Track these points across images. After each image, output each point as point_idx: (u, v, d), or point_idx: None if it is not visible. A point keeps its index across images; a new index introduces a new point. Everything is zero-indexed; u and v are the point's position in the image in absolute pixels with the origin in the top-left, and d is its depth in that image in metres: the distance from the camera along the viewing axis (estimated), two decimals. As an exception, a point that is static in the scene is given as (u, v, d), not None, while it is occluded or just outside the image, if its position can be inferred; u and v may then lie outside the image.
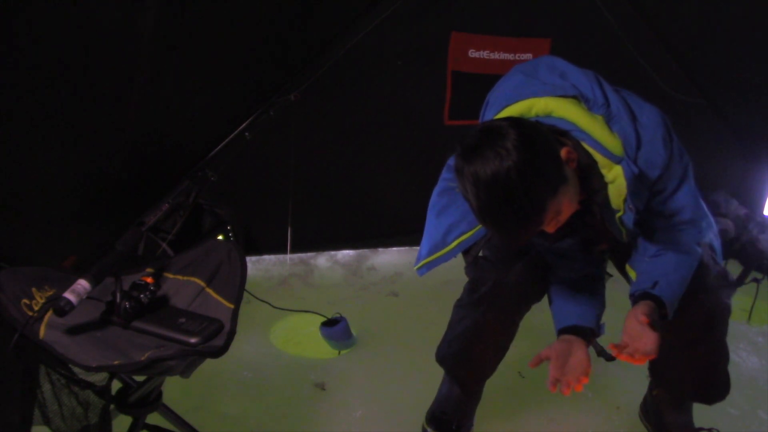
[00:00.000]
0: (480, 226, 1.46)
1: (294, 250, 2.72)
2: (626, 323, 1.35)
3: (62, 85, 1.65)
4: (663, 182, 1.35)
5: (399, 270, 2.77)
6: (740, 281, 2.44)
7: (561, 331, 1.49)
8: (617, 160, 1.27)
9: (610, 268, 1.76)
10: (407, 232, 2.78)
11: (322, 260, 2.84)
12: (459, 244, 1.47)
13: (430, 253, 1.50)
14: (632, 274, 1.46)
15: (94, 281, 1.16)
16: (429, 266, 1.49)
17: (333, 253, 2.88)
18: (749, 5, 2.38)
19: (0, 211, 1.67)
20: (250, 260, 2.68)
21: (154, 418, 1.36)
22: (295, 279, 2.65)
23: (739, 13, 2.42)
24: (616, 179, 1.28)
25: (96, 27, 1.62)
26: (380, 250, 2.93)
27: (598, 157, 1.28)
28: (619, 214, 1.32)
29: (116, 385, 1.25)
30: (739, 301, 2.41)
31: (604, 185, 1.31)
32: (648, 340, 1.29)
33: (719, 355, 1.57)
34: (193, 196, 2.31)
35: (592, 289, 1.56)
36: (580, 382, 1.37)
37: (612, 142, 1.27)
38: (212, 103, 2.29)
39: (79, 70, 1.67)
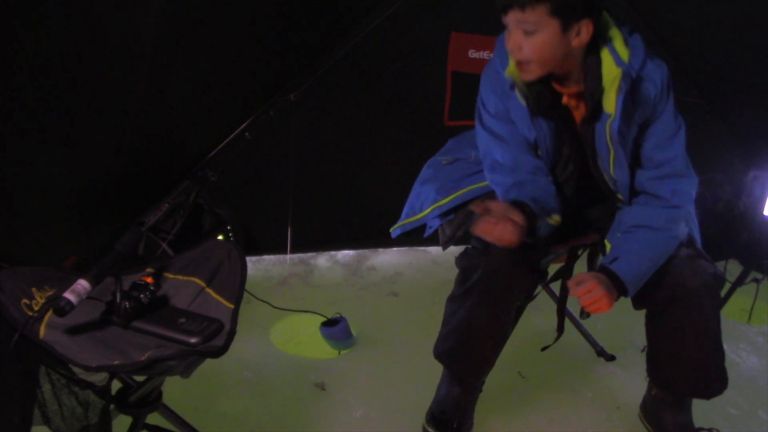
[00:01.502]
0: (454, 196, 1.65)
1: (294, 250, 2.72)
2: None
3: (63, 85, 1.65)
4: (655, 124, 1.49)
5: (399, 270, 2.77)
6: (740, 281, 2.43)
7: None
8: (620, 63, 1.40)
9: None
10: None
11: (322, 260, 2.84)
12: (432, 210, 1.65)
13: (406, 217, 1.73)
14: (608, 247, 1.57)
15: (94, 281, 1.16)
16: (402, 228, 1.74)
17: (333, 253, 2.88)
18: (749, 5, 2.38)
19: (0, 211, 1.67)
20: (250, 260, 2.68)
21: (154, 418, 1.36)
22: (295, 279, 2.65)
23: (739, 14, 2.42)
24: (614, 82, 1.40)
25: (97, 27, 1.62)
26: (380, 250, 2.93)
27: (606, 57, 1.41)
28: (610, 120, 1.44)
29: (116, 385, 1.25)
30: (739, 301, 2.41)
31: (600, 89, 1.43)
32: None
33: (713, 352, 1.59)
34: (193, 196, 2.31)
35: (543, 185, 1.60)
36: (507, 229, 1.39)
37: (623, 50, 1.41)
38: (212, 104, 2.29)
39: (79, 71, 1.67)
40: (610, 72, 1.41)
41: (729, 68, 2.67)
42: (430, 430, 1.71)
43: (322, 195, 2.74)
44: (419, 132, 2.73)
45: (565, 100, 1.52)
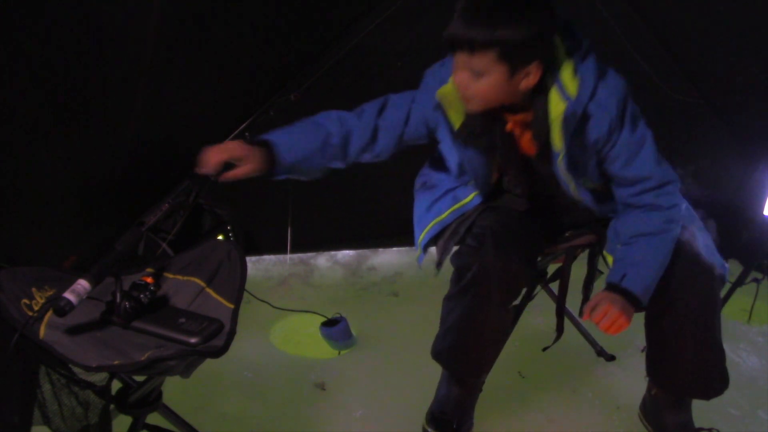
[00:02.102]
0: (426, 230, 1.71)
1: (294, 250, 2.72)
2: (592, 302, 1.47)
3: (62, 85, 1.65)
4: (616, 147, 1.45)
5: (399, 270, 2.77)
6: (740, 281, 2.43)
7: None
8: (566, 98, 1.36)
9: (601, 266, 1.77)
10: (407, 232, 2.76)
11: (322, 260, 2.84)
12: (421, 244, 1.71)
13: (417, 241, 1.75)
14: (609, 260, 1.57)
15: (94, 281, 1.16)
16: (421, 257, 1.77)
17: (333, 253, 2.88)
18: (749, 5, 2.38)
19: (0, 211, 1.67)
20: (250, 260, 2.68)
21: (154, 418, 1.36)
22: (295, 279, 2.65)
23: (739, 13, 2.42)
24: (558, 116, 1.38)
25: (98, 28, 1.62)
26: (380, 250, 2.93)
27: (553, 93, 1.38)
28: (560, 157, 1.44)
29: (116, 385, 1.25)
30: (739, 301, 2.41)
31: (546, 123, 1.41)
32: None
33: (713, 352, 1.59)
34: (193, 196, 2.31)
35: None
36: None
37: (571, 83, 1.37)
38: (213, 104, 2.29)
39: (79, 71, 1.67)
40: (557, 108, 1.38)
41: (729, 68, 2.67)
42: (430, 430, 1.71)
43: (322, 195, 2.74)
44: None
45: (509, 126, 1.50)
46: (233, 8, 2.03)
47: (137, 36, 1.75)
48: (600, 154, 1.47)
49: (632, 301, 1.46)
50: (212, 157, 1.43)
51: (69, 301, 1.11)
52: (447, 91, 1.46)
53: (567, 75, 1.38)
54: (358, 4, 2.42)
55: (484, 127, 1.48)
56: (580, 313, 1.82)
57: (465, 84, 1.37)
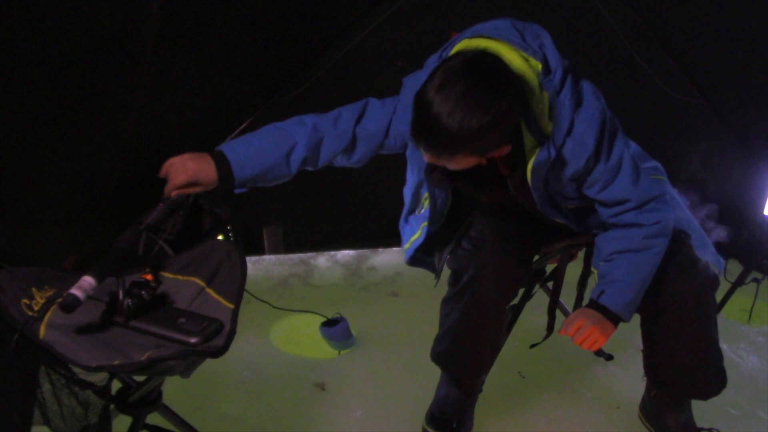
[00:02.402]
0: (406, 247, 1.72)
1: (294, 250, 2.72)
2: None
3: (62, 85, 1.65)
4: (592, 175, 1.43)
5: (399, 270, 2.77)
6: (740, 281, 2.43)
7: None
8: (540, 141, 1.35)
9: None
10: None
11: (322, 260, 2.84)
12: (406, 251, 1.73)
13: (406, 241, 1.75)
14: (594, 274, 1.57)
15: (99, 277, 1.16)
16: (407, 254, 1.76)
17: (333, 253, 2.88)
18: (749, 5, 2.38)
19: (0, 211, 1.67)
20: (250, 260, 2.68)
21: (154, 418, 1.36)
22: (295, 279, 2.65)
23: (739, 13, 2.42)
24: (531, 159, 1.38)
25: (98, 28, 1.62)
26: (380, 250, 2.93)
27: (527, 136, 1.36)
28: (538, 194, 1.45)
29: (116, 385, 1.25)
30: (739, 301, 2.41)
31: (524, 163, 1.40)
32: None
33: (710, 353, 1.59)
34: (193, 196, 2.31)
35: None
36: None
37: (545, 123, 1.34)
38: (212, 104, 2.29)
39: (79, 71, 1.67)
40: (531, 151, 1.37)
41: (729, 68, 2.68)
42: (429, 430, 1.71)
43: (322, 195, 2.74)
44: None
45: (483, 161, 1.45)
46: (233, 9, 2.03)
47: (137, 36, 1.75)
48: (578, 181, 1.46)
49: (610, 317, 1.47)
50: (176, 180, 1.42)
51: (76, 297, 1.11)
52: None
53: (542, 115, 1.34)
54: (358, 4, 2.43)
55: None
56: (575, 308, 1.83)
57: (436, 160, 1.34)
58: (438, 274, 1.71)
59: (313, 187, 2.70)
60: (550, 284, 1.87)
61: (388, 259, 2.88)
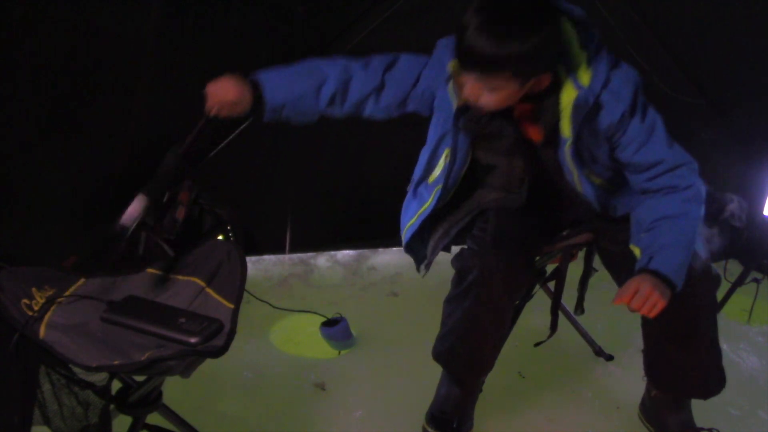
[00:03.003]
0: (404, 233, 1.70)
1: (294, 250, 2.72)
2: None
3: (63, 85, 1.65)
4: (627, 134, 1.44)
5: (399, 270, 2.77)
6: (740, 281, 2.43)
7: None
8: (579, 87, 1.37)
9: (596, 264, 1.77)
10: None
11: (322, 260, 2.84)
12: (407, 230, 1.69)
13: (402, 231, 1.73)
14: (636, 252, 1.50)
15: (152, 197, 1.13)
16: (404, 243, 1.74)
17: (333, 253, 2.88)
18: (749, 5, 2.38)
19: (0, 211, 1.67)
20: (250, 260, 2.68)
21: (154, 418, 1.36)
22: (295, 279, 2.65)
23: (738, 13, 2.42)
24: (569, 104, 1.38)
25: (98, 28, 1.62)
26: (380, 250, 2.93)
27: (566, 83, 1.38)
28: (567, 144, 1.43)
29: (116, 385, 1.25)
30: (739, 301, 2.41)
31: (556, 111, 1.41)
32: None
33: (710, 352, 1.59)
34: (192, 196, 2.31)
35: None
36: None
37: (584, 73, 1.38)
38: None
39: (80, 71, 1.67)
40: (568, 96, 1.38)
41: (729, 68, 2.67)
42: (430, 430, 1.71)
43: (322, 195, 2.74)
44: (419, 132, 2.72)
45: (516, 113, 1.48)
46: (233, 9, 2.03)
47: (137, 36, 1.75)
48: (611, 141, 1.46)
49: (665, 282, 1.39)
50: (221, 97, 1.46)
51: (123, 226, 1.08)
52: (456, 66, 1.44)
53: (580, 66, 1.38)
54: (358, 4, 2.43)
55: (490, 115, 1.45)
56: (576, 310, 1.83)
57: (476, 96, 1.36)
58: (428, 265, 1.70)
59: (314, 187, 2.70)
60: (549, 284, 1.87)
61: (388, 259, 2.88)
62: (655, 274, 1.40)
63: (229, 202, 2.42)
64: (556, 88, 1.39)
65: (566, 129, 1.41)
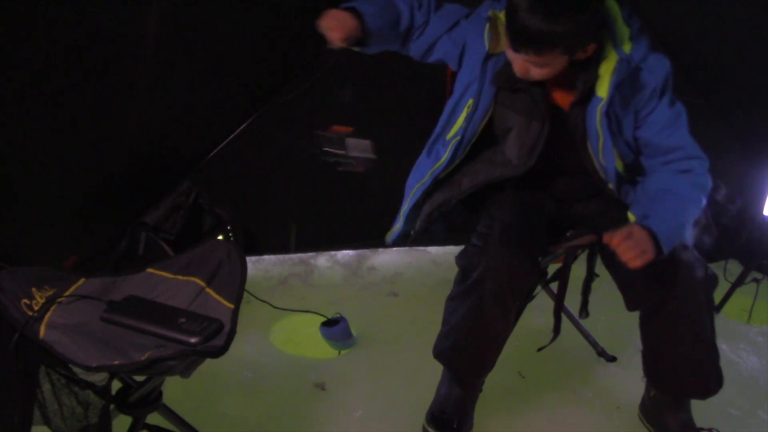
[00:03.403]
0: (408, 200, 1.74)
1: (294, 250, 2.72)
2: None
3: (63, 85, 1.65)
4: (654, 113, 1.52)
5: (399, 270, 2.77)
6: (740, 281, 2.44)
7: None
8: (620, 53, 1.46)
9: (598, 268, 1.77)
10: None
11: (322, 260, 2.84)
12: (402, 220, 1.75)
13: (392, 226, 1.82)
14: (632, 219, 1.52)
15: None
16: (392, 237, 1.84)
17: (333, 253, 2.88)
18: (749, 5, 2.38)
19: (0, 211, 1.67)
20: (250, 260, 2.68)
21: (154, 418, 1.36)
22: (295, 279, 2.65)
23: (738, 14, 2.42)
24: (609, 67, 1.46)
25: (98, 29, 1.62)
26: (380, 250, 2.93)
27: (608, 48, 1.47)
28: (601, 104, 1.48)
29: (116, 385, 1.25)
30: (739, 301, 2.41)
31: (596, 75, 1.48)
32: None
33: (708, 352, 1.59)
34: (193, 196, 2.31)
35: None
36: None
37: (626, 43, 1.48)
38: (212, 104, 2.29)
39: (80, 71, 1.67)
40: (610, 60, 1.46)
41: (729, 68, 2.67)
42: (430, 430, 1.71)
43: (322, 195, 2.74)
44: (419, 132, 2.72)
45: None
46: (232, 9, 2.03)
47: (137, 36, 1.75)
48: (638, 116, 1.53)
49: (654, 242, 1.39)
50: (344, 29, 1.52)
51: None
52: (501, 19, 1.50)
53: (623, 39, 1.47)
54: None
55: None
56: (580, 314, 1.83)
57: (527, 71, 1.45)
58: (417, 232, 1.73)
59: (314, 187, 2.70)
60: (551, 285, 1.87)
61: (388, 259, 2.88)
62: (647, 231, 1.40)
63: (229, 202, 2.44)
64: (597, 55, 1.47)
65: (603, 90, 1.47)
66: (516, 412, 1.85)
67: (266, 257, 2.76)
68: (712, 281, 1.56)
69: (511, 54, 1.45)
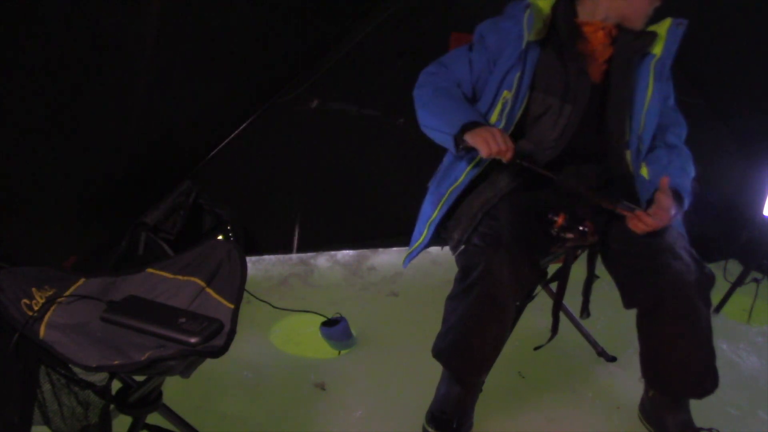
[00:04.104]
0: (440, 205, 1.72)
1: (296, 251, 2.72)
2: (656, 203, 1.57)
3: (63, 85, 1.65)
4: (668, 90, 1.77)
5: (399, 270, 2.77)
6: (740, 281, 2.44)
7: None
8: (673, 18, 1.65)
9: (598, 270, 1.77)
10: (407, 232, 2.77)
11: (322, 260, 2.84)
12: (428, 228, 1.74)
13: (411, 245, 1.81)
14: (644, 172, 1.72)
15: None
16: (410, 257, 1.83)
17: (333, 253, 2.88)
18: (749, 6, 2.38)
19: (0, 211, 1.67)
20: (250, 260, 2.68)
21: (154, 418, 1.36)
22: (295, 279, 2.65)
23: (738, 14, 2.42)
24: (665, 28, 1.66)
25: (98, 29, 1.62)
26: (380, 250, 2.93)
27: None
28: (655, 60, 1.66)
29: (116, 385, 1.25)
30: (739, 301, 2.41)
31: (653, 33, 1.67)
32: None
33: (704, 352, 1.60)
34: (193, 196, 2.31)
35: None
36: None
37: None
38: (212, 104, 2.29)
39: (80, 72, 1.67)
40: (666, 23, 1.65)
41: (729, 68, 2.68)
42: (430, 430, 1.71)
43: (323, 195, 2.75)
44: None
45: (590, 29, 1.64)
46: (232, 9, 2.03)
47: (136, 36, 1.75)
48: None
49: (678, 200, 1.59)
50: (509, 147, 1.56)
51: None
52: (544, 3, 1.65)
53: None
54: (358, 4, 2.43)
55: (571, 38, 1.63)
56: (581, 314, 1.83)
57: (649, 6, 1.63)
58: (454, 247, 1.71)
59: (314, 187, 2.70)
60: (551, 285, 1.87)
61: (388, 259, 2.88)
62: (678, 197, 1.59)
63: (229, 202, 2.44)
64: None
65: (658, 48, 1.65)
66: (516, 412, 1.85)
67: (266, 257, 2.76)
68: (709, 280, 1.56)
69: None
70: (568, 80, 1.64)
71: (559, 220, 1.58)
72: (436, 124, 1.69)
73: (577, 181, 1.65)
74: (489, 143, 1.53)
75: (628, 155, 1.73)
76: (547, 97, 1.67)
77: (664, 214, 1.53)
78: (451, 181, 1.73)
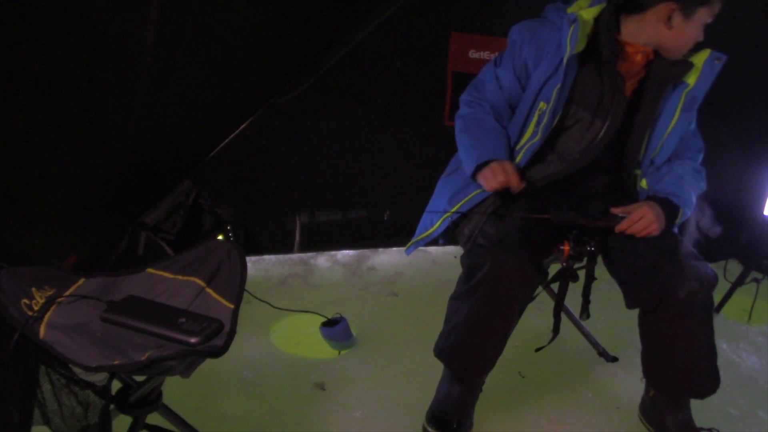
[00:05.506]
0: (462, 202, 1.71)
1: (297, 251, 2.72)
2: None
3: (63, 85, 1.65)
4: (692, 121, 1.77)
5: (399, 270, 2.77)
6: (740, 281, 2.44)
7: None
8: (711, 51, 1.66)
9: (598, 269, 1.77)
10: (407, 233, 2.77)
11: (322, 260, 2.84)
12: (441, 223, 1.75)
13: (418, 235, 1.81)
14: (643, 183, 1.76)
15: None
16: (416, 245, 1.85)
17: (333, 253, 2.88)
18: (749, 6, 2.38)
19: (0, 211, 1.67)
20: (250, 260, 2.68)
21: (154, 418, 1.36)
22: (295, 279, 2.65)
23: (738, 14, 2.42)
24: (702, 60, 1.66)
25: (98, 29, 1.62)
26: (380, 250, 2.93)
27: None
28: (688, 89, 1.68)
29: (116, 385, 1.25)
30: (739, 301, 2.41)
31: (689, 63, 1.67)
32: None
33: (706, 352, 1.60)
34: (193, 196, 2.31)
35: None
36: None
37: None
38: (212, 104, 2.29)
39: (80, 72, 1.67)
40: (703, 54, 1.64)
41: (729, 68, 2.67)
42: (430, 429, 1.71)
43: (323, 195, 2.75)
44: (419, 132, 2.73)
45: (631, 50, 1.63)
46: (232, 9, 2.03)
47: (136, 37, 1.75)
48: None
49: (667, 210, 1.61)
50: (516, 180, 1.62)
51: None
52: (588, 16, 1.64)
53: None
54: (358, 4, 2.43)
55: (613, 57, 1.62)
56: (581, 315, 1.83)
57: (698, 36, 1.62)
58: (464, 243, 1.72)
59: (314, 187, 2.70)
60: (552, 286, 1.87)
61: (388, 259, 2.89)
62: (669, 205, 1.62)
63: (229, 202, 2.44)
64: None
65: (693, 78, 1.66)
66: (516, 412, 1.85)
67: (266, 257, 2.76)
68: (711, 281, 1.56)
69: (685, 27, 1.58)
70: (603, 96, 1.65)
71: (566, 249, 1.60)
72: (463, 157, 1.76)
73: (574, 213, 1.67)
74: (489, 180, 1.62)
75: (637, 173, 1.77)
76: (579, 110, 1.67)
77: (638, 219, 1.58)
78: (475, 186, 1.73)
